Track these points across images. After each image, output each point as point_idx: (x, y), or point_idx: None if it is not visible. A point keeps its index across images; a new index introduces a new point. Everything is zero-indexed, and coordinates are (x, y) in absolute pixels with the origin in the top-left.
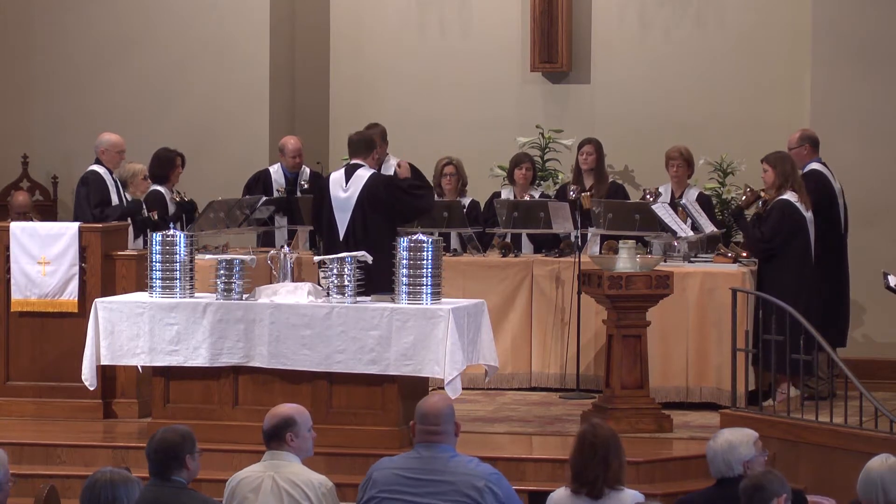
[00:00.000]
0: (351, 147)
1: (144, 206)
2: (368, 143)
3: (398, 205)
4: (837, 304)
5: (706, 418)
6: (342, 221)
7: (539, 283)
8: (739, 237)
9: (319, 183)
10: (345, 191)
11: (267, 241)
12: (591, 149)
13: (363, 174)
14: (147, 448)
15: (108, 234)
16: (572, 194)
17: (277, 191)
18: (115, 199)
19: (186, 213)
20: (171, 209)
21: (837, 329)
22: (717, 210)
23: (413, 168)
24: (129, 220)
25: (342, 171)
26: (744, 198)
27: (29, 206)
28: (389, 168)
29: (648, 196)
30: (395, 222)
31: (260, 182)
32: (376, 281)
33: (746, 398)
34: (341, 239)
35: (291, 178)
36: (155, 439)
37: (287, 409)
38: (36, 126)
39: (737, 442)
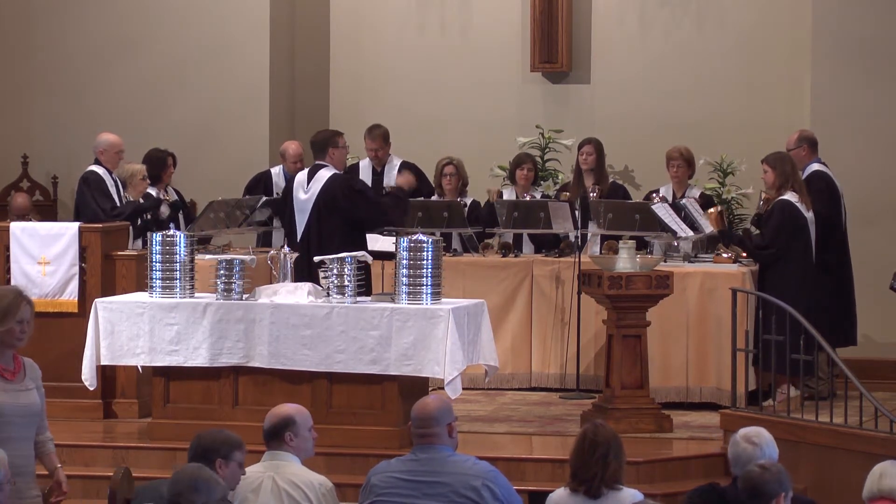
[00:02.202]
0: (312, 148)
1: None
2: (325, 142)
3: (354, 210)
4: (845, 304)
5: (706, 418)
6: (300, 223)
7: (539, 283)
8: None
9: (288, 184)
10: (305, 192)
11: (266, 241)
12: (591, 149)
13: (323, 175)
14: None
15: (108, 234)
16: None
17: (277, 194)
18: (116, 199)
19: (181, 212)
20: (165, 211)
21: (845, 329)
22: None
23: (417, 170)
24: (139, 219)
25: (306, 172)
26: (760, 203)
27: (28, 209)
28: (392, 169)
29: (655, 196)
30: (355, 227)
31: (261, 184)
32: None
33: (746, 398)
34: (298, 240)
35: None
36: (198, 435)
37: (287, 408)
38: (36, 126)
39: (771, 440)
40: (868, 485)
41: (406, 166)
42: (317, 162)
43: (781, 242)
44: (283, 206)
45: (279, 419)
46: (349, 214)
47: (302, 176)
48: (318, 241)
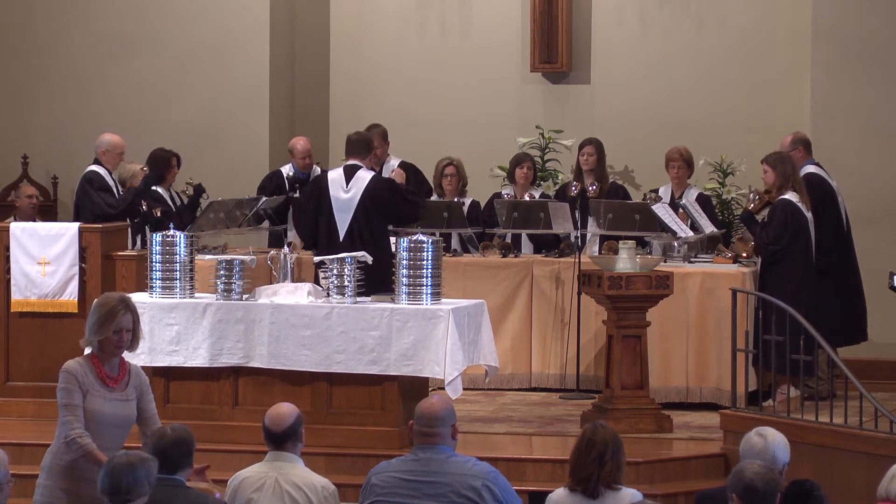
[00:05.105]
0: (349, 146)
1: (143, 203)
2: (367, 145)
3: (395, 209)
4: (853, 303)
5: (706, 419)
6: (343, 222)
7: (539, 283)
8: (738, 237)
9: (317, 183)
10: (346, 191)
11: (275, 241)
12: (592, 149)
13: (364, 175)
14: (155, 446)
15: (107, 235)
16: (574, 190)
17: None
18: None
19: (197, 197)
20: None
21: (855, 327)
22: (717, 210)
23: (415, 170)
24: (133, 215)
25: (340, 170)
26: (752, 205)
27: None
28: (389, 168)
29: (650, 195)
30: (394, 224)
31: (273, 183)
32: (377, 280)
33: (746, 398)
34: (341, 239)
35: (304, 178)
36: (162, 438)
37: (290, 407)
38: (36, 126)
39: (783, 442)
40: (881, 484)
41: (404, 166)
42: (352, 162)
43: (785, 242)
44: (311, 205)
45: (295, 418)
46: (392, 213)
47: (337, 175)
48: (366, 238)
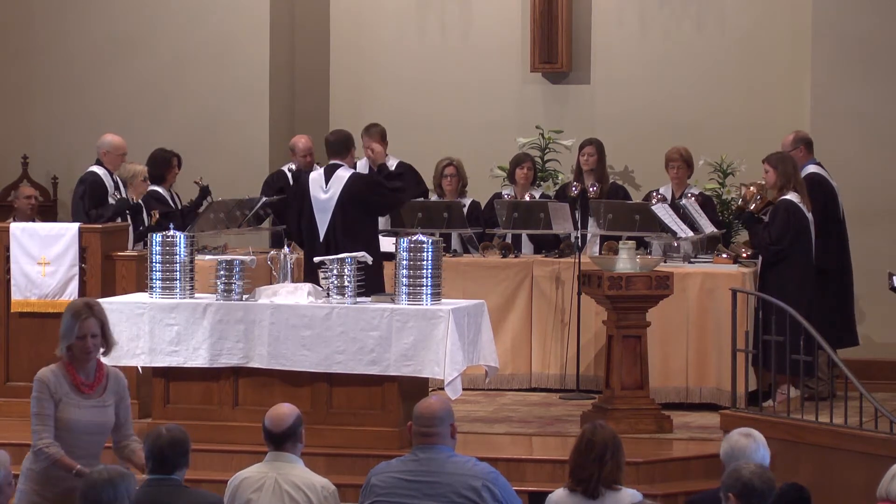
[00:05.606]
0: (329, 147)
1: (144, 207)
2: (346, 143)
3: (375, 200)
4: (845, 305)
5: (706, 419)
6: (322, 222)
7: (539, 283)
8: (739, 237)
9: (299, 183)
10: (325, 191)
11: (275, 241)
12: (593, 150)
13: (343, 174)
14: (151, 447)
15: (108, 235)
16: (574, 190)
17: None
18: (113, 201)
19: (201, 198)
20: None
21: (846, 330)
22: (717, 209)
23: (413, 170)
24: (128, 220)
25: (321, 171)
26: (753, 205)
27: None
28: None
29: (655, 195)
30: (374, 216)
31: (277, 184)
32: (366, 280)
33: (746, 399)
34: (321, 240)
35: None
36: (159, 438)
37: (290, 407)
38: (36, 126)
39: (765, 441)
40: (881, 484)
41: (402, 166)
42: (333, 161)
43: (786, 242)
44: (296, 204)
45: (295, 418)
46: (373, 206)
47: (317, 175)
48: (343, 238)
